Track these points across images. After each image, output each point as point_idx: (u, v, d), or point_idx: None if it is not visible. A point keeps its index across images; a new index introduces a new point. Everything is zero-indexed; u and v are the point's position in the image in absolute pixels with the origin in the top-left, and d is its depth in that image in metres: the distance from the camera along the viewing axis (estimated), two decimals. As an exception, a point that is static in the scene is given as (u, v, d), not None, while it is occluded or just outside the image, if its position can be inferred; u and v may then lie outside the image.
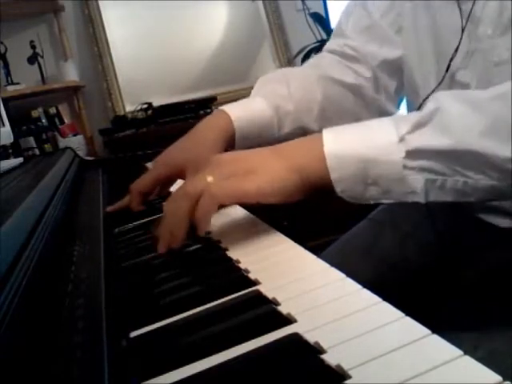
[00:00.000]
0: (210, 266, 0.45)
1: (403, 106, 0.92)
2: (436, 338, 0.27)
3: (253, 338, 0.30)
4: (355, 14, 0.80)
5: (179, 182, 0.68)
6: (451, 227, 0.75)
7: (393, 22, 0.75)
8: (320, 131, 0.50)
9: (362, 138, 0.47)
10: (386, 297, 0.32)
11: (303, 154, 0.49)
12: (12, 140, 1.46)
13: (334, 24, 2.36)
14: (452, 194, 0.46)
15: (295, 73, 0.82)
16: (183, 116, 2.17)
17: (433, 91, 0.63)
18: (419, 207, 0.60)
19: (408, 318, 0.30)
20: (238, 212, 0.60)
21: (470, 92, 0.55)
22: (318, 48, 2.28)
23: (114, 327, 0.33)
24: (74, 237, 0.55)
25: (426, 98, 0.55)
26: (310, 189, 0.49)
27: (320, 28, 2.49)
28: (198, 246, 0.50)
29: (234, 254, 0.46)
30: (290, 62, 2.63)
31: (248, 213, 0.60)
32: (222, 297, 0.37)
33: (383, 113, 0.80)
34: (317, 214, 1.81)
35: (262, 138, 0.73)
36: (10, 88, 2.26)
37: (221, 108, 0.73)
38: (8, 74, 2.31)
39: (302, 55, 2.41)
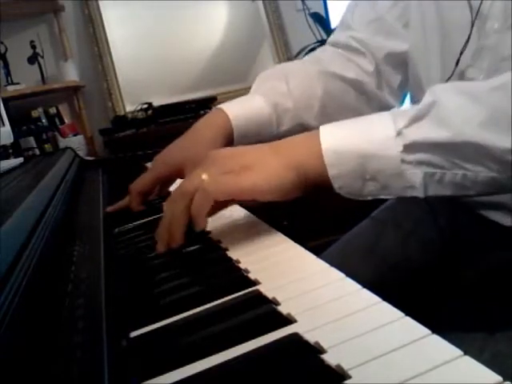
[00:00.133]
0: (210, 266, 0.45)
1: (407, 102, 0.91)
2: (436, 338, 0.27)
3: (253, 338, 0.30)
4: (361, 7, 0.79)
5: (179, 182, 0.68)
6: (453, 223, 0.74)
7: (400, 15, 0.75)
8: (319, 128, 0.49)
9: (360, 133, 0.47)
10: (386, 297, 0.32)
11: (301, 151, 0.49)
12: (12, 140, 1.46)
13: (334, 24, 2.36)
14: (451, 187, 0.45)
15: (295, 68, 0.82)
16: (183, 116, 2.17)
17: None
18: (421, 203, 0.59)
19: (408, 318, 0.30)
20: (238, 212, 0.60)
21: (469, 83, 0.54)
22: (318, 48, 2.28)
23: (114, 327, 0.33)
24: (74, 237, 0.55)
25: None
26: (308, 186, 0.49)
27: (320, 28, 2.49)
28: (198, 246, 0.50)
29: (234, 254, 0.46)
30: (290, 62, 2.63)
31: (248, 213, 0.60)
32: (222, 297, 0.37)
33: (385, 109, 0.78)
34: (316, 213, 1.81)
35: (261, 135, 0.72)
36: (10, 88, 2.26)
37: (219, 106, 0.73)
38: (8, 73, 2.31)
39: (302, 55, 2.41)
